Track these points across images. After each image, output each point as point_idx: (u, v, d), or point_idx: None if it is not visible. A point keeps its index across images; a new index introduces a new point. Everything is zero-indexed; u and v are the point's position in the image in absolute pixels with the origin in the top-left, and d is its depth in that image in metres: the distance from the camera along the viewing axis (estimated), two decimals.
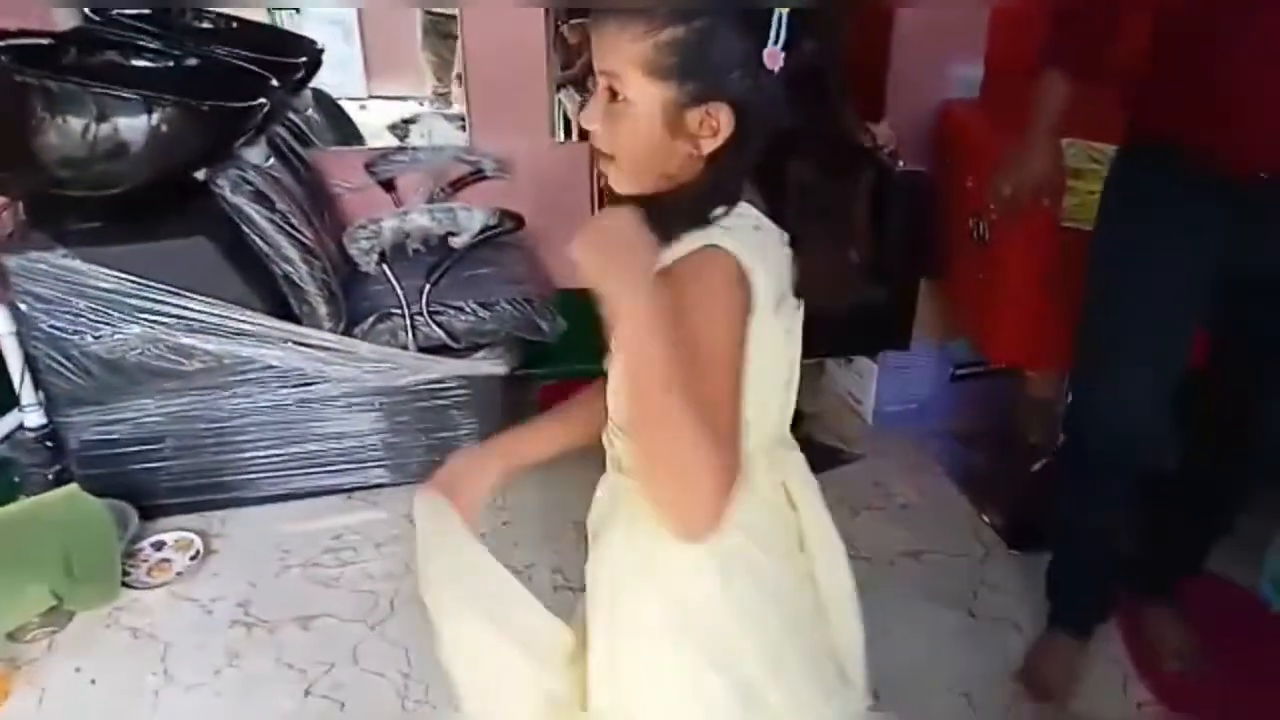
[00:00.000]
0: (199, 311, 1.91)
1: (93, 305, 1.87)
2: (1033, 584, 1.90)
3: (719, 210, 0.79)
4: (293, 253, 1.93)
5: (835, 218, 0.83)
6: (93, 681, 1.71)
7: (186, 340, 1.93)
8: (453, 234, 2.02)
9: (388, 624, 1.84)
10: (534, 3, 2.40)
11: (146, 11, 2.30)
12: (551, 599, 0.97)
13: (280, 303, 1.99)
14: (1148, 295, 1.48)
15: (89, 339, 1.89)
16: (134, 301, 1.87)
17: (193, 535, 2.03)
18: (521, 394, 2.31)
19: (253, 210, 1.88)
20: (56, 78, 1.67)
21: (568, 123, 2.57)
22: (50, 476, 2.02)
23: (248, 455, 2.10)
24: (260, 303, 1.96)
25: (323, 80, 2.40)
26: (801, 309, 0.87)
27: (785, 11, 0.75)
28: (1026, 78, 1.58)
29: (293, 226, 1.93)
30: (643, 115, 0.79)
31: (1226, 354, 1.54)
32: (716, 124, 0.78)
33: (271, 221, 1.90)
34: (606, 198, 0.82)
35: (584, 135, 2.51)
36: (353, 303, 2.10)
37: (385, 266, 2.00)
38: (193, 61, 2.00)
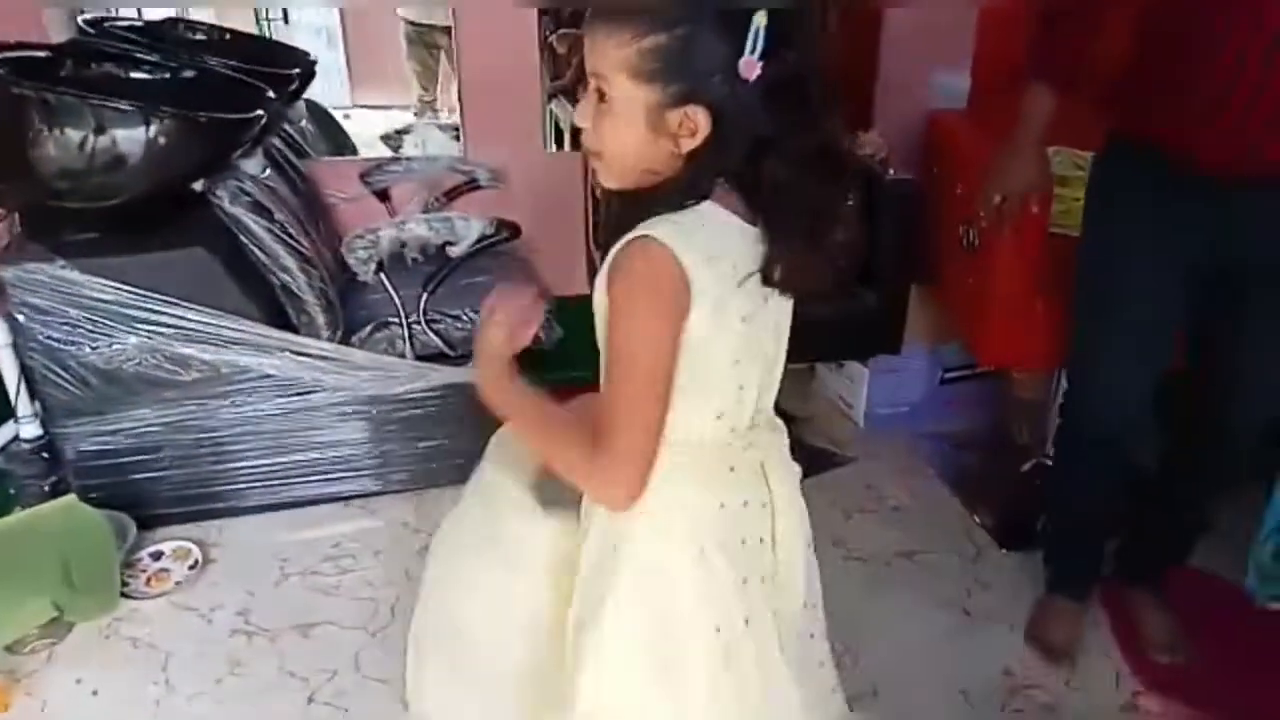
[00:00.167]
0: (197, 322, 1.91)
1: (90, 316, 1.87)
2: (1025, 582, 1.95)
3: (689, 203, 0.86)
4: (290, 262, 1.94)
5: (811, 216, 0.87)
6: (94, 692, 1.70)
7: (184, 350, 1.93)
8: (450, 243, 2.04)
9: (389, 630, 1.84)
10: (532, 3, 2.41)
11: (139, 23, 2.32)
12: None
13: (278, 312, 2.00)
14: (1128, 294, 1.55)
15: (86, 350, 1.89)
16: (132, 312, 1.88)
17: (191, 545, 2.03)
18: None
19: (251, 221, 1.89)
20: (55, 90, 1.67)
21: (559, 133, 2.60)
22: (46, 488, 2.01)
23: (244, 464, 2.11)
24: (258, 312, 1.97)
25: (307, 90, 2.41)
26: (776, 299, 0.93)
27: (763, 23, 0.80)
28: (1013, 89, 1.62)
29: (290, 236, 1.94)
30: (627, 115, 0.85)
31: (1204, 352, 1.60)
32: (695, 125, 0.83)
33: (270, 232, 1.91)
34: (602, 205, 0.89)
35: (576, 144, 2.55)
36: (350, 312, 2.11)
37: (383, 276, 2.01)
38: (189, 73, 2.01)
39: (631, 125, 0.85)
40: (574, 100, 2.52)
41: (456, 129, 2.54)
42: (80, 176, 1.72)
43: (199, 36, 2.32)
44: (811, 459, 2.12)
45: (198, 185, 1.93)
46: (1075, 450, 1.79)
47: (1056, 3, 1.56)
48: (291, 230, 1.95)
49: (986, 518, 2.17)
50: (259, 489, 2.14)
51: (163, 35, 2.25)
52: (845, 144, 0.95)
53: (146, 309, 1.88)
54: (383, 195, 2.36)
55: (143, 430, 2.01)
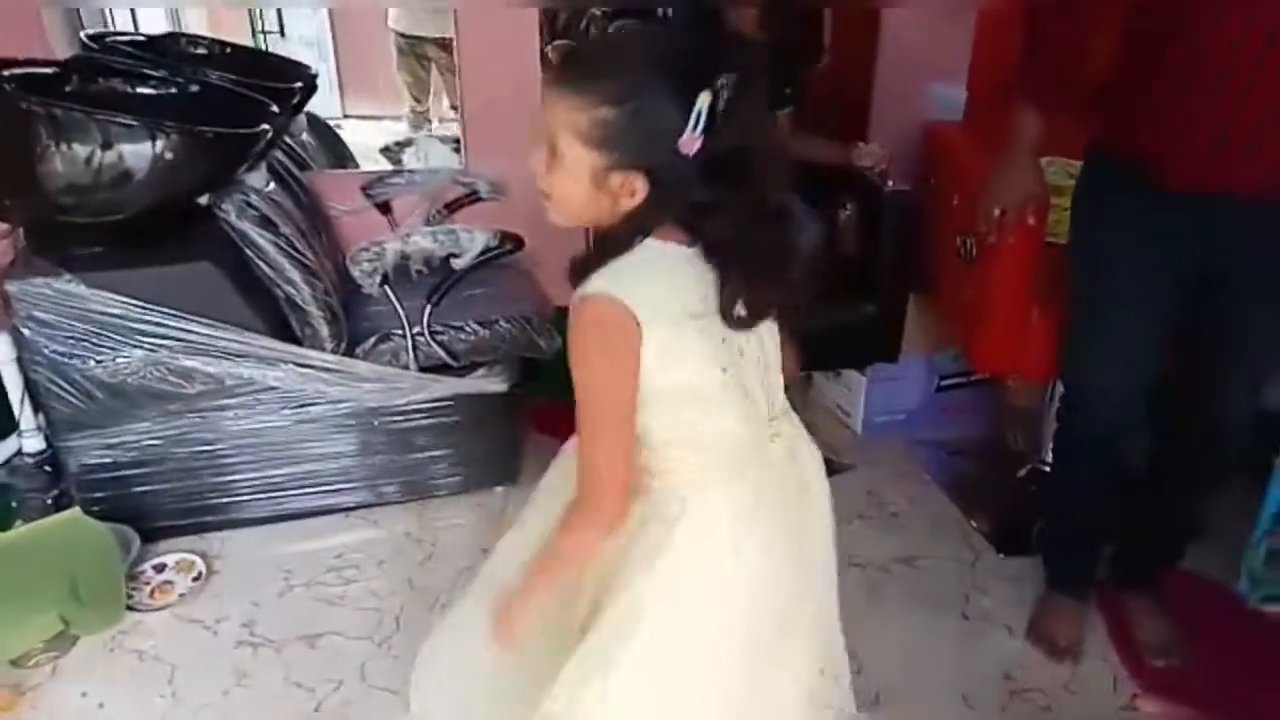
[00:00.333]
0: (201, 335, 1.92)
1: (95, 330, 1.87)
2: (1023, 586, 1.98)
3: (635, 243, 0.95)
4: (295, 275, 1.96)
5: (757, 260, 0.96)
6: (100, 705, 1.71)
7: (188, 363, 1.94)
8: (454, 255, 2.06)
9: (394, 640, 1.85)
10: (528, 3, 2.43)
11: (141, 38, 2.33)
12: None
13: (282, 325, 2.01)
14: (1114, 299, 1.61)
15: (91, 363, 1.90)
16: (137, 325, 1.88)
17: (194, 557, 2.04)
18: (517, 411, 2.35)
19: (256, 234, 1.90)
20: (63, 106, 1.68)
21: None
22: (49, 501, 2.01)
23: (247, 476, 2.11)
24: (262, 325, 1.97)
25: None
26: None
27: (707, 102, 0.87)
28: (1006, 103, 1.66)
29: (295, 249, 1.96)
30: (574, 172, 0.94)
31: (1191, 358, 1.64)
32: (634, 189, 0.92)
33: (275, 245, 1.92)
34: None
35: None
36: (353, 324, 2.12)
37: (388, 288, 2.03)
38: (194, 88, 2.02)
39: (577, 181, 0.94)
40: None
41: (457, 141, 2.56)
42: (86, 192, 1.73)
43: (200, 50, 2.34)
44: None
45: (203, 199, 1.94)
46: (1069, 452, 1.83)
47: (1044, 26, 1.60)
48: (296, 243, 1.96)
49: (984, 523, 2.20)
50: (261, 500, 2.14)
51: (165, 50, 2.27)
52: (787, 198, 1.02)
53: (152, 322, 1.89)
54: (384, 208, 2.37)
55: (146, 443, 2.01)
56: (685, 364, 0.95)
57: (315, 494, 2.17)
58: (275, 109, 1.95)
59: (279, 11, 2.76)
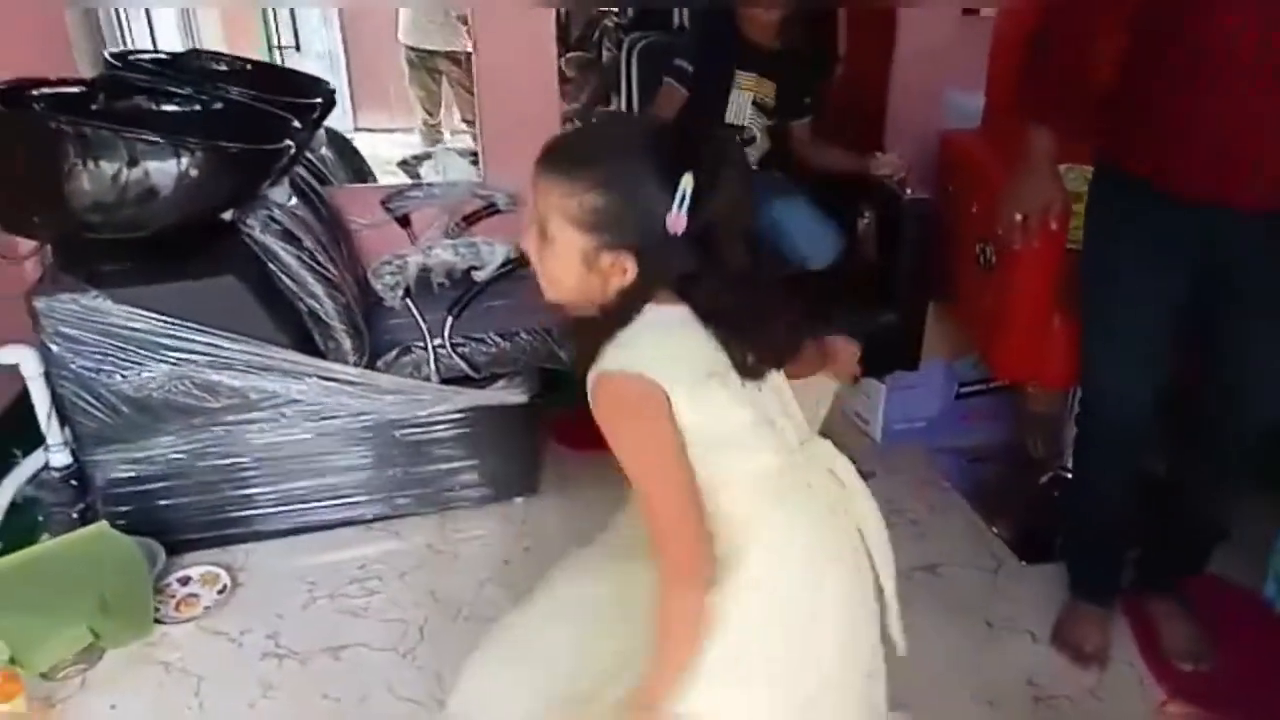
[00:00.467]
0: (226, 349, 1.94)
1: (122, 345, 1.89)
2: (1046, 593, 1.97)
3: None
4: (319, 289, 1.97)
5: (751, 313, 0.99)
6: (129, 718, 1.72)
7: (214, 377, 1.96)
8: (475, 268, 2.07)
9: (419, 651, 1.86)
10: (549, 3, 2.45)
11: (163, 56, 2.36)
12: None
13: (304, 338, 2.03)
14: (1124, 305, 1.63)
15: (118, 378, 1.92)
16: (163, 340, 1.90)
17: (219, 570, 2.05)
18: (537, 422, 2.36)
19: (280, 249, 1.92)
20: (91, 124, 1.70)
21: None
22: (74, 515, 2.03)
23: (270, 489, 2.12)
24: (285, 339, 1.99)
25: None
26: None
27: (691, 184, 0.91)
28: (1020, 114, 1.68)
29: (318, 263, 1.97)
30: (565, 254, 0.97)
31: (1203, 360, 1.64)
32: (624, 269, 0.96)
33: (299, 259, 1.94)
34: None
35: None
36: (375, 336, 2.14)
37: (409, 301, 2.04)
38: (218, 105, 2.04)
39: (569, 263, 0.97)
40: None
41: (474, 154, 2.58)
42: (113, 209, 1.74)
43: (222, 67, 2.36)
44: None
45: (227, 215, 1.96)
46: (1088, 456, 1.84)
47: (1051, 27, 1.62)
48: (319, 257, 1.98)
49: (1005, 530, 2.19)
50: (284, 513, 2.16)
51: (187, 67, 2.29)
52: (767, 252, 1.07)
53: (177, 337, 1.90)
54: (403, 221, 2.39)
55: (170, 457, 2.03)
56: (713, 413, 0.98)
57: (337, 506, 2.19)
58: (297, 124, 1.97)
59: (295, 26, 2.79)
